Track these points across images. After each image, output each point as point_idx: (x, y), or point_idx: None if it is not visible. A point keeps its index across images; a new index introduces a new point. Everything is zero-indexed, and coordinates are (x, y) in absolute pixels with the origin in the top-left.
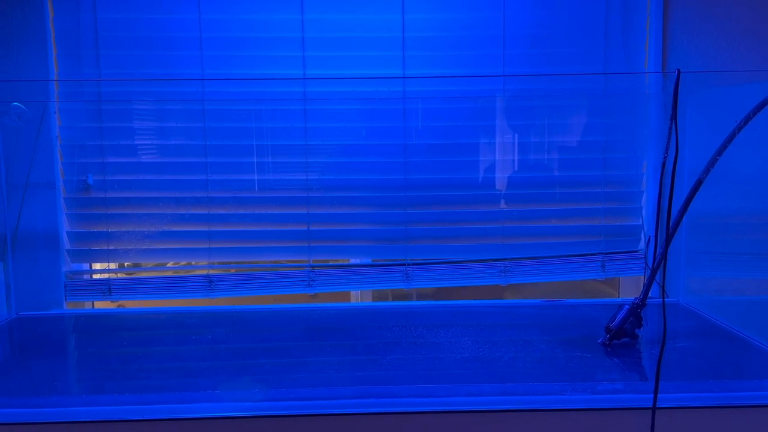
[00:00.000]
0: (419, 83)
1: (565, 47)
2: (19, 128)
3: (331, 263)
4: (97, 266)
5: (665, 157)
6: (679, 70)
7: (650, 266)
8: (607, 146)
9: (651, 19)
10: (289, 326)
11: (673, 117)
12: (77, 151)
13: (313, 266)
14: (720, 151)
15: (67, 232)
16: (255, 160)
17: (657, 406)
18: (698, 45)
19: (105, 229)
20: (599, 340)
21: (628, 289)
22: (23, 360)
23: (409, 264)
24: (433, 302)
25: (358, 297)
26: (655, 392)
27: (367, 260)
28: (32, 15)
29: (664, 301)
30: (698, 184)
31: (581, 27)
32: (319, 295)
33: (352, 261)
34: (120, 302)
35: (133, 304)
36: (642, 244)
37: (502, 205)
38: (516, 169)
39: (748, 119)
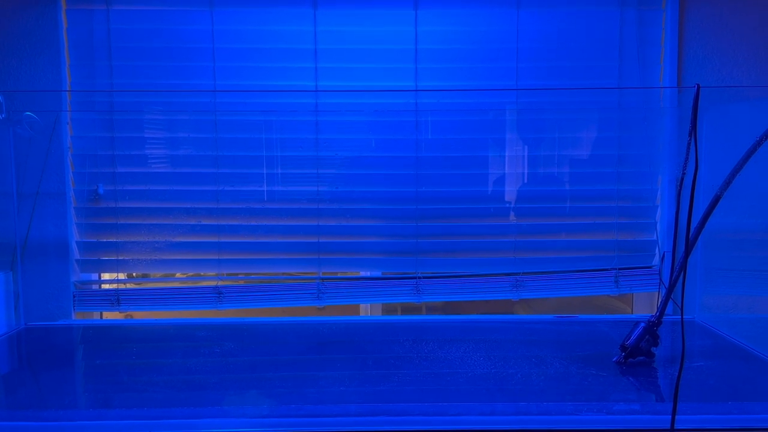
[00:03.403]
0: (432, 95)
1: (580, 61)
2: (31, 137)
3: (340, 276)
4: (106, 276)
5: (684, 173)
6: (698, 85)
7: (665, 283)
8: (621, 160)
9: (666, 33)
10: (297, 339)
11: (693, 132)
12: (88, 160)
13: (322, 278)
14: (739, 167)
15: (76, 242)
16: (265, 172)
17: (675, 428)
18: (713, 60)
19: (115, 239)
20: (614, 359)
21: (642, 304)
22: (31, 372)
23: (419, 277)
24: (444, 316)
25: (368, 310)
26: (673, 413)
27: (377, 273)
28: (46, 25)
29: (683, 319)
30: (716, 199)
31: (595, 40)
32: (327, 307)
33: (362, 274)
34: (128, 313)
35: (141, 315)
36: (656, 260)
37: (515, 219)
38: (529, 182)
39: (766, 135)
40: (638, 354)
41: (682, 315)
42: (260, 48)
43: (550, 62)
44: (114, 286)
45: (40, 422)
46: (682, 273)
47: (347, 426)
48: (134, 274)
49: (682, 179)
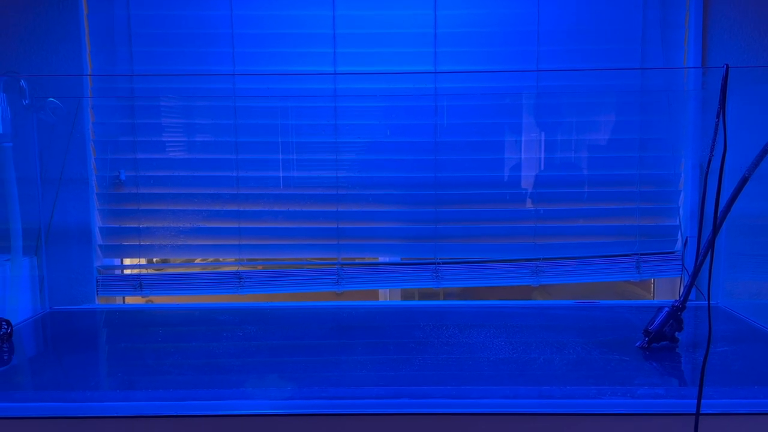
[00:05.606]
0: (451, 80)
1: (602, 44)
2: (54, 123)
3: (359, 261)
4: (127, 262)
5: (711, 156)
6: (727, 65)
7: (687, 268)
8: (643, 144)
9: (690, 15)
10: (318, 324)
11: (721, 114)
12: (110, 146)
13: (342, 264)
14: (766, 150)
15: (99, 228)
16: (284, 157)
17: (701, 412)
18: (738, 41)
19: (136, 225)
20: (637, 344)
21: (663, 291)
22: (56, 354)
23: (438, 263)
24: (464, 302)
25: (387, 295)
26: (699, 397)
27: (396, 258)
28: (67, 12)
29: (709, 304)
30: (744, 181)
31: (618, 23)
32: (346, 292)
33: (381, 259)
34: (149, 297)
35: (162, 300)
36: (679, 245)
37: (532, 204)
38: (549, 167)
39: None
40: (662, 339)
41: (708, 299)
42: (279, 33)
43: (571, 45)
44: (136, 271)
45: (66, 403)
46: (708, 257)
47: (371, 408)
48: (155, 259)
49: (710, 162)
